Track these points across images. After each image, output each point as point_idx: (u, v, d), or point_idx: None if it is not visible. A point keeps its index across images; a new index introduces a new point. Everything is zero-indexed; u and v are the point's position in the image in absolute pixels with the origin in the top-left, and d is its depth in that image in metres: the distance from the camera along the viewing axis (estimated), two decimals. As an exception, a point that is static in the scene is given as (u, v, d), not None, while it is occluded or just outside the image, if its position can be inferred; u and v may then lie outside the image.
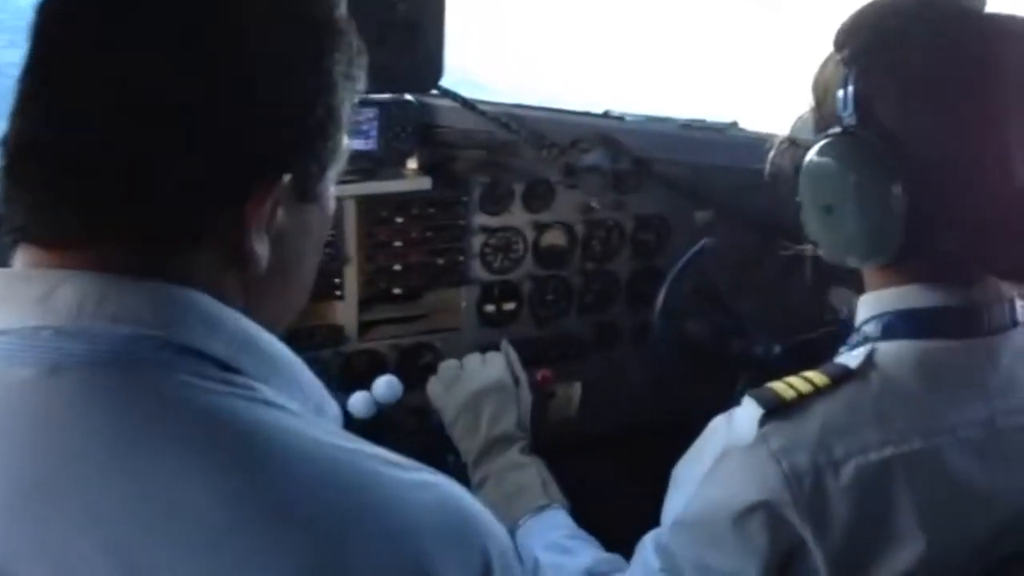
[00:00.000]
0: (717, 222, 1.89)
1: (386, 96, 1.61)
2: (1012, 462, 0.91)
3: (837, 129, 0.92)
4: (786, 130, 1.08)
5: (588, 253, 1.91)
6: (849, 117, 0.90)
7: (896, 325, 0.94)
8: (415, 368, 1.81)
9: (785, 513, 0.88)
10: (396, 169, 1.68)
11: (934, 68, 0.90)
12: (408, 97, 1.63)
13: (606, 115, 1.80)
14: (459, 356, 1.64)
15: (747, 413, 0.92)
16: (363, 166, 1.63)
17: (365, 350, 1.79)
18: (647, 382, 1.93)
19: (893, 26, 0.93)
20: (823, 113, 0.99)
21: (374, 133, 1.62)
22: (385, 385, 1.62)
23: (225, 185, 0.64)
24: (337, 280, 1.72)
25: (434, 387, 1.58)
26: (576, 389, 1.98)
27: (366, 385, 1.64)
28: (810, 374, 0.93)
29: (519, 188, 1.81)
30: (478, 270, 1.84)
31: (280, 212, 0.67)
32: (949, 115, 0.89)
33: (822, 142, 0.93)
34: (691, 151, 1.78)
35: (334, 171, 0.73)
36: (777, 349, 1.73)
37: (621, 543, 1.20)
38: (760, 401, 0.91)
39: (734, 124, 1.79)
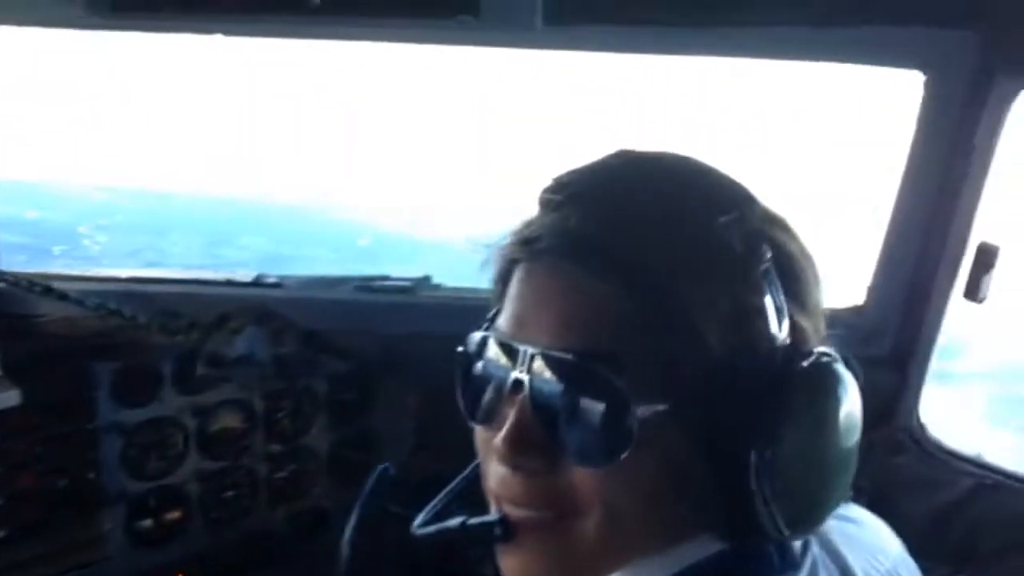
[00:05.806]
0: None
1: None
2: None
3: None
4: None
5: (274, 431, 1.53)
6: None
7: None
8: None
9: None
10: (-35, 384, 1.22)
11: None
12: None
13: (257, 282, 1.40)
14: None
15: None
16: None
17: None
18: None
19: None
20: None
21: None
22: None
23: None
24: None
25: None
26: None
27: None
28: None
29: (168, 367, 1.39)
30: (122, 480, 1.41)
31: None
32: None
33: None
34: (374, 320, 1.42)
35: None
36: None
37: None
38: None
39: (426, 279, 1.44)
